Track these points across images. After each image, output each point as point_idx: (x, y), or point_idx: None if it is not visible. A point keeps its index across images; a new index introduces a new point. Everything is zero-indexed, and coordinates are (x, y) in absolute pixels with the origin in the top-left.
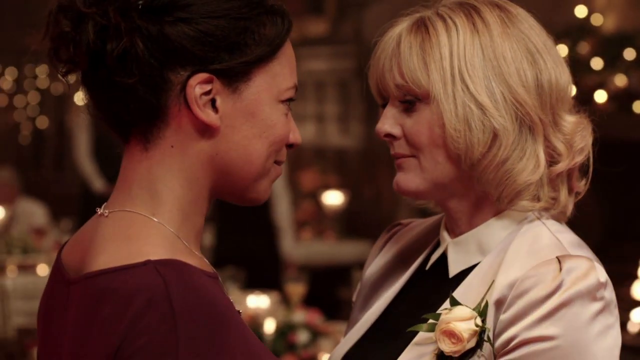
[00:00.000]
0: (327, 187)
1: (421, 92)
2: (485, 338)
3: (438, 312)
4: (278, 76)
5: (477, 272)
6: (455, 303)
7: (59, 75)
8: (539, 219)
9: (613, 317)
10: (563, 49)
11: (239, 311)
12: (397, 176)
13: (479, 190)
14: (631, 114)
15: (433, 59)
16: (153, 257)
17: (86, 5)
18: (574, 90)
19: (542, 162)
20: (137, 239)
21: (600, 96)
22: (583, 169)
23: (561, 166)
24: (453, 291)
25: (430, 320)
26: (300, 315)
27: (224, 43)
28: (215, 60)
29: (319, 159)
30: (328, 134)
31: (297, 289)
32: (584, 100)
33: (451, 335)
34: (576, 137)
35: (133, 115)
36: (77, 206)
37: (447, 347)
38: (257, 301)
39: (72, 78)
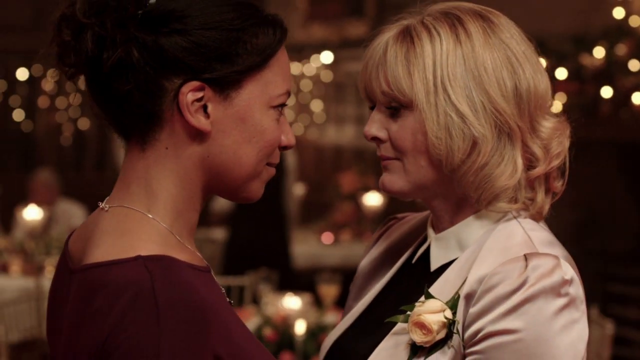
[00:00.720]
0: (367, 188)
1: (405, 100)
2: (455, 330)
3: (414, 304)
4: (270, 84)
5: (453, 267)
6: (428, 296)
7: (66, 78)
8: (515, 218)
9: (579, 312)
10: (600, 51)
11: (230, 302)
12: (383, 176)
13: (459, 192)
14: None
15: (417, 68)
16: (144, 253)
17: (86, 16)
18: (550, 95)
19: (519, 167)
20: (131, 234)
21: (638, 98)
22: (561, 169)
23: (538, 170)
24: (432, 285)
25: (408, 312)
26: (332, 317)
27: (215, 53)
28: (207, 69)
29: (358, 160)
30: None
31: (330, 291)
32: (621, 102)
33: (422, 326)
34: (553, 142)
35: (130, 119)
36: None
37: (418, 338)
38: (290, 302)
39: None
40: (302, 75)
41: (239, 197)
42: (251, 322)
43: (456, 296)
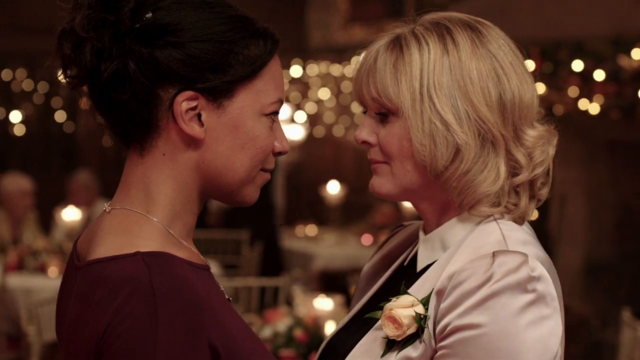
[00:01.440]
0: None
1: (392, 107)
2: (425, 325)
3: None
4: (261, 92)
5: (434, 267)
6: (403, 292)
7: (70, 88)
8: (496, 220)
9: (549, 309)
10: (638, 53)
11: (229, 298)
12: (372, 179)
13: (444, 196)
14: None
15: (404, 76)
16: (142, 249)
17: (84, 31)
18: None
19: (502, 174)
20: (131, 233)
21: None
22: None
23: (522, 177)
24: (414, 284)
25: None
26: None
27: (208, 64)
28: (200, 79)
29: None
30: None
31: None
32: None
33: (393, 320)
34: (536, 150)
35: (128, 127)
36: None
37: (391, 332)
38: (322, 304)
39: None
40: (342, 77)
41: (234, 201)
42: (282, 322)
43: (431, 292)
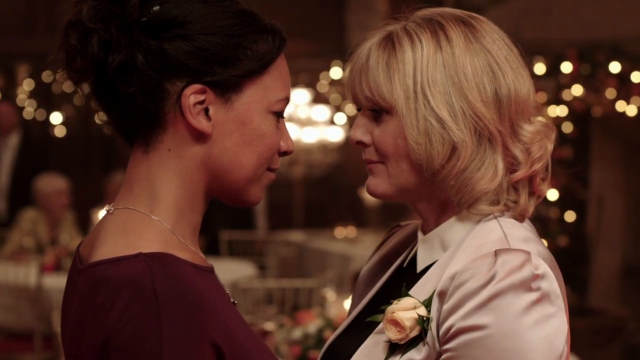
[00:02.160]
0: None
1: (386, 106)
2: (428, 327)
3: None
4: (269, 89)
5: (435, 267)
6: (405, 294)
7: (73, 83)
8: (496, 218)
9: (554, 307)
10: None
11: (234, 302)
12: (368, 180)
13: (442, 195)
14: None
15: (397, 74)
16: (145, 250)
17: (92, 22)
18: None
19: (500, 171)
20: (134, 234)
21: None
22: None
23: (520, 173)
24: (415, 285)
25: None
26: None
27: (216, 57)
28: (208, 72)
29: None
30: None
31: None
32: None
33: (395, 323)
34: (534, 146)
35: (134, 121)
36: None
37: (393, 335)
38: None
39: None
40: None
41: (239, 200)
42: (313, 324)
43: (431, 294)
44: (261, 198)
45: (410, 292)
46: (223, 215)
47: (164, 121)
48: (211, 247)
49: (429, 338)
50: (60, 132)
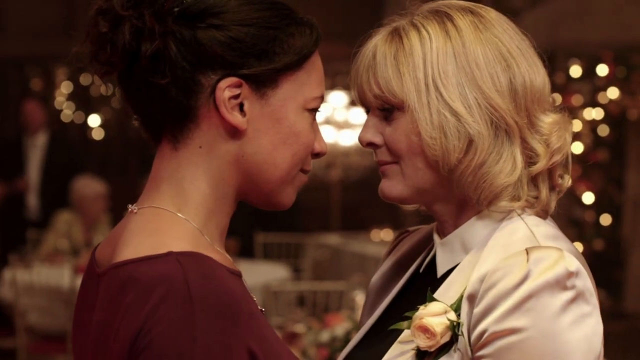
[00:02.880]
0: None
1: (397, 102)
2: (459, 332)
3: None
4: (305, 85)
5: (458, 270)
6: (431, 299)
7: (98, 77)
8: (519, 215)
9: (590, 305)
10: None
11: (261, 310)
12: (382, 183)
13: (460, 194)
14: None
15: (407, 68)
16: (175, 249)
17: (124, 9)
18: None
19: (519, 164)
20: (162, 233)
21: None
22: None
23: (539, 166)
24: (437, 289)
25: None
26: None
27: (252, 50)
28: (244, 65)
29: None
30: None
31: None
32: None
33: (425, 330)
34: (553, 137)
35: (165, 115)
36: None
37: (423, 342)
38: None
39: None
40: None
41: (271, 202)
42: (341, 327)
43: (460, 298)
44: (292, 201)
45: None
46: (258, 217)
47: (195, 116)
48: (245, 249)
49: (460, 344)
50: (98, 134)
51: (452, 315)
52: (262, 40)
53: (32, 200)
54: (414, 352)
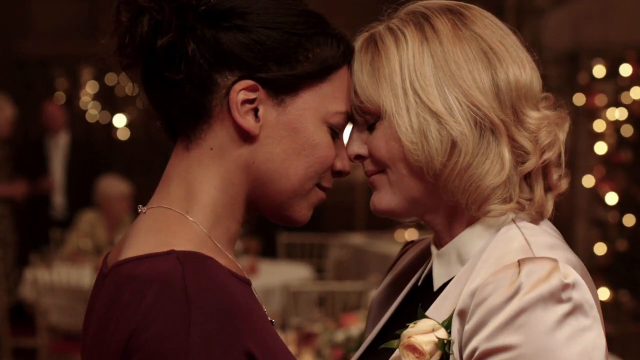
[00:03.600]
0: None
1: (375, 109)
2: (450, 351)
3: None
4: (328, 98)
5: (453, 283)
6: (422, 316)
7: (122, 69)
8: (515, 223)
9: (589, 318)
10: None
11: (272, 321)
12: (372, 196)
13: (450, 201)
14: None
15: (383, 74)
16: (178, 248)
17: (146, 0)
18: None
19: (507, 164)
20: (167, 232)
21: None
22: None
23: (530, 164)
24: (432, 304)
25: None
26: None
27: (273, 54)
28: (262, 68)
29: None
30: None
31: None
32: None
33: (413, 349)
34: (541, 132)
35: (178, 112)
36: None
37: None
38: None
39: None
40: None
41: (282, 214)
42: (356, 327)
43: (451, 314)
44: (307, 218)
45: (427, 313)
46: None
47: (209, 116)
48: (268, 249)
49: None
50: (123, 134)
51: (442, 333)
52: (283, 45)
53: (58, 200)
54: None
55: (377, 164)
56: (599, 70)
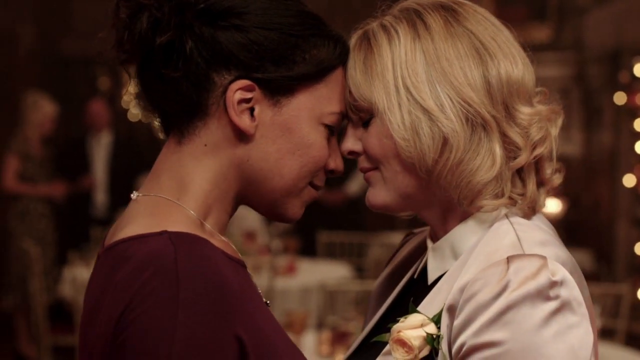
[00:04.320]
0: (547, 194)
1: (368, 106)
2: (439, 346)
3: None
4: (323, 98)
5: (445, 278)
6: (413, 310)
7: (120, 64)
8: (508, 218)
9: (576, 316)
10: None
11: (266, 302)
12: (367, 192)
13: (443, 196)
14: None
15: (376, 72)
16: (170, 229)
17: None
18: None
19: (498, 159)
20: (160, 215)
21: None
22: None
23: (521, 159)
24: (425, 298)
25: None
26: None
27: (270, 54)
28: (259, 69)
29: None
30: None
31: None
32: None
33: (403, 344)
34: (532, 128)
35: (174, 109)
36: None
37: (401, 357)
38: None
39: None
40: None
41: (274, 212)
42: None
43: (441, 309)
44: (299, 215)
45: (420, 306)
46: (323, 216)
47: (205, 114)
48: (307, 248)
49: (440, 358)
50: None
51: (431, 328)
52: (281, 46)
53: (100, 198)
54: None
55: (371, 161)
56: None
